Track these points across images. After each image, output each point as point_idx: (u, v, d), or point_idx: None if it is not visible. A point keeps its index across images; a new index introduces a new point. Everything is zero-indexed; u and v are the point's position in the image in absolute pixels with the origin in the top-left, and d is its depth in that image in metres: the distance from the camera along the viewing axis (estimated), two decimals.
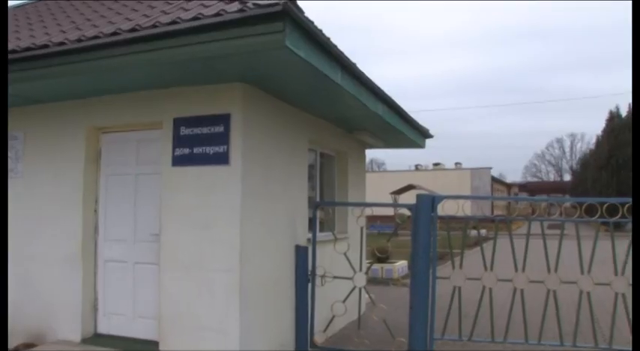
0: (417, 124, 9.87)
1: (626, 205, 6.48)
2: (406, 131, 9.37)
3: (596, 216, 6.79)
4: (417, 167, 74.69)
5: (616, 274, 6.60)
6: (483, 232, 22.86)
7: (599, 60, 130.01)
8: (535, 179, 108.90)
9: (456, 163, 75.17)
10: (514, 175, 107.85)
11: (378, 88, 7.19)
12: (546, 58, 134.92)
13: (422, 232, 6.72)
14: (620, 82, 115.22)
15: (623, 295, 6.54)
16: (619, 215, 6.61)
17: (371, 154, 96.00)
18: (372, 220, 22.95)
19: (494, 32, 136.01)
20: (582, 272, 6.65)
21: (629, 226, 6.55)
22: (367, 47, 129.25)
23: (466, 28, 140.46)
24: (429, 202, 6.78)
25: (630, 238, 6.34)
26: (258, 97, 6.43)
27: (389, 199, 37.03)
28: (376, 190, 33.92)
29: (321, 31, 5.25)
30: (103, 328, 7.07)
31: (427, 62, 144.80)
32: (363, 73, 6.49)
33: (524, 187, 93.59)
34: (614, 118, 57.81)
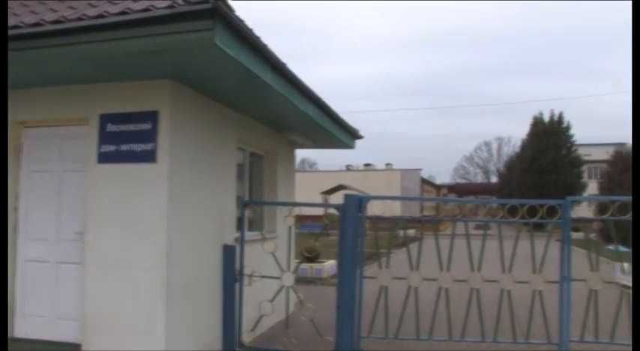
0: (347, 125, 9.96)
1: (545, 207, 6.76)
2: (336, 132, 9.45)
3: (517, 217, 7.04)
4: (348, 167, 75.37)
5: (534, 272, 6.87)
6: (412, 232, 23.27)
7: (527, 66, 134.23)
8: (464, 181, 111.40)
9: (387, 164, 76.17)
10: (444, 177, 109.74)
11: (309, 89, 7.22)
12: (476, 63, 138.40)
13: (349, 232, 6.80)
14: (545, 89, 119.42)
15: (540, 292, 6.81)
16: (538, 216, 6.89)
17: (303, 153, 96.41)
18: (303, 219, 22.95)
19: (428, 36, 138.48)
20: (503, 271, 6.88)
21: (550, 226, 6.84)
22: (302, 48, 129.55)
23: (400, 31, 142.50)
24: (356, 202, 6.86)
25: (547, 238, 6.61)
26: (187, 95, 6.36)
27: (320, 199, 37.21)
28: (308, 190, 34.16)
29: (251, 30, 5.24)
30: (21, 332, 6.80)
31: (360, 63, 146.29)
32: (293, 73, 6.51)
33: (452, 188, 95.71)
34: (538, 123, 59.92)
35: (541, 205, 6.97)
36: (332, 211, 7.57)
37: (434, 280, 6.94)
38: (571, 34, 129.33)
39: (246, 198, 8.76)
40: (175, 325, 6.01)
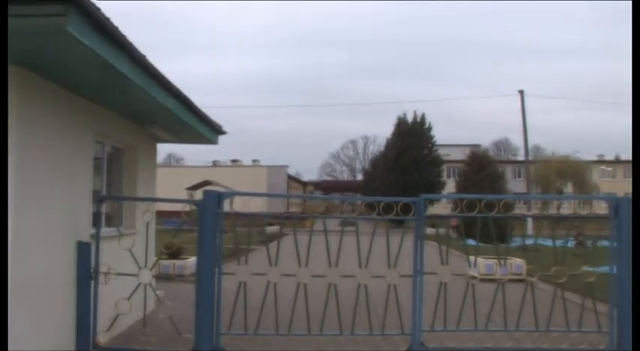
0: (210, 120, 9.85)
1: (400, 204, 7.05)
2: (198, 127, 9.32)
3: (374, 213, 7.29)
4: (215, 163, 74.67)
5: (389, 267, 7.15)
6: (274, 228, 23.41)
7: (392, 68, 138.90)
8: (330, 178, 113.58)
9: (254, 160, 76.29)
10: (310, 174, 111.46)
11: (169, 82, 7.07)
12: (344, 63, 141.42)
13: (207, 229, 6.75)
14: (409, 90, 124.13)
15: (395, 285, 7.10)
16: (393, 213, 7.19)
17: (169, 148, 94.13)
18: (167, 215, 22.51)
19: (298, 35, 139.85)
20: (360, 266, 7.10)
21: (411, 223, 7.15)
22: (169, 41, 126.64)
23: (270, 30, 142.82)
24: (215, 198, 6.83)
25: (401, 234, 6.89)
26: (40, 85, 6.03)
27: (185, 195, 36.60)
28: (173, 186, 33.44)
29: (108, 18, 5.04)
30: None
31: (232, 60, 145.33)
32: (153, 65, 6.34)
33: (319, 185, 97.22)
34: (401, 123, 62.31)
35: (396, 203, 7.26)
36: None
37: (293, 275, 7.03)
38: (433, 38, 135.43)
39: (104, 193, 8.46)
40: (22, 326, 5.68)
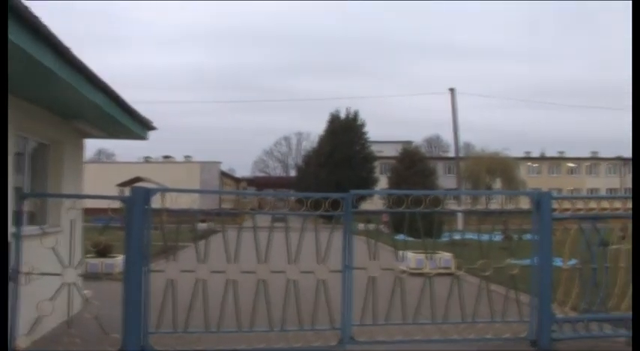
0: (139, 115, 9.64)
1: (329, 200, 7.13)
2: (127, 122, 9.11)
3: (303, 209, 7.33)
4: (147, 159, 73.42)
5: (319, 262, 7.19)
6: (205, 225, 23.16)
7: (326, 65, 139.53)
8: (263, 174, 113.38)
9: (186, 156, 75.38)
10: (244, 170, 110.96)
11: (96, 76, 6.88)
12: (277, 60, 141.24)
13: (135, 225, 6.64)
14: (343, 87, 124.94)
15: (324, 281, 7.15)
16: (322, 209, 7.26)
17: (100, 144, 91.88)
18: (96, 212, 21.98)
19: (234, 31, 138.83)
20: (289, 262, 7.11)
21: (335, 218, 7.20)
22: (100, 35, 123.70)
23: (204, 25, 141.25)
24: (143, 194, 6.71)
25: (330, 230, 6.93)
26: None
27: (116, 192, 35.81)
28: (104, 182, 32.69)
29: (28, 8, 4.86)
30: None
31: (161, 55, 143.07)
32: (79, 59, 6.16)
33: (252, 181, 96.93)
34: (334, 120, 62.57)
35: (325, 199, 7.31)
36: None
37: (222, 272, 6.98)
38: (369, 37, 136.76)
39: (27, 190, 8.17)
40: None
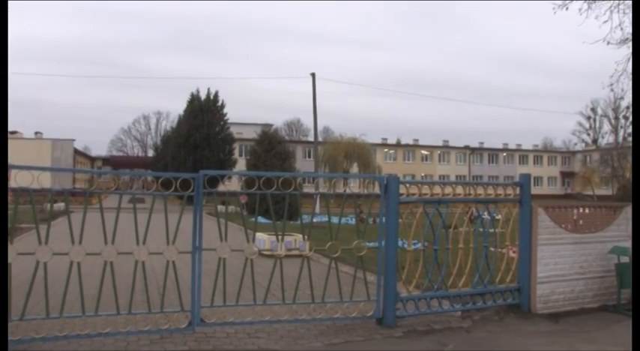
0: None
1: (179, 180, 7.02)
2: None
3: (153, 189, 7.15)
4: None
5: (168, 243, 7.06)
6: (62, 205, 22.03)
7: (189, 46, 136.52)
8: (120, 153, 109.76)
9: (37, 133, 71.33)
10: (100, 149, 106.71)
11: None
12: (136, 37, 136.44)
13: None
14: (206, 68, 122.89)
15: (173, 262, 7.03)
16: (172, 189, 7.16)
17: None
18: None
19: (93, 4, 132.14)
20: (138, 243, 6.90)
21: (185, 199, 7.08)
22: None
23: None
24: None
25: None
26: None
27: None
28: None
29: None
30: None
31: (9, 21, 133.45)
32: None
33: (108, 161, 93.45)
34: (194, 100, 61.50)
35: (176, 179, 7.17)
36: None
37: (65, 254, 6.64)
38: (232, 20, 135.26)
39: None
40: None
